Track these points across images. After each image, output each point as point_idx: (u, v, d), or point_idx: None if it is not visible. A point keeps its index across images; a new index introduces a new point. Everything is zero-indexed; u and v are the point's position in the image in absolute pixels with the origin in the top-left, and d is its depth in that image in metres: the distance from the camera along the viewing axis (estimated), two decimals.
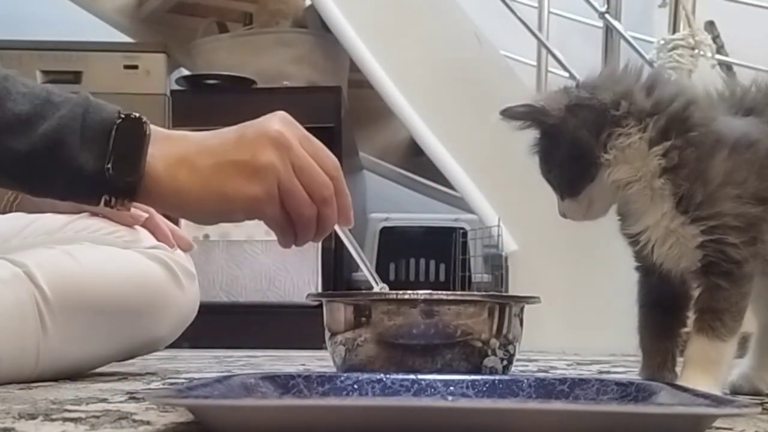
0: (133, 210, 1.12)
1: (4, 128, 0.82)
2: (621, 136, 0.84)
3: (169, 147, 0.85)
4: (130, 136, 0.84)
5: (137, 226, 1.19)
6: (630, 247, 0.91)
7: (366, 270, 1.03)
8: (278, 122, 0.87)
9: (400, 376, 0.78)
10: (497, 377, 0.80)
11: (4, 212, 1.20)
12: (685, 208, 0.84)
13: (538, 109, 0.86)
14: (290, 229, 0.89)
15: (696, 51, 2.04)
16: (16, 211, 1.19)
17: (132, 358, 1.20)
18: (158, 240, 1.18)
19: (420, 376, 0.78)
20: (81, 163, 0.82)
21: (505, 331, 1.05)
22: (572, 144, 0.85)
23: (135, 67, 2.43)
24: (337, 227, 0.93)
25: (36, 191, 0.90)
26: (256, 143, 0.85)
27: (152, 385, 1.02)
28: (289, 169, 0.85)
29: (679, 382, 0.81)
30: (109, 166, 0.82)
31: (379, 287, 1.03)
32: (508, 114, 0.87)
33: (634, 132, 0.84)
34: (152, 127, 0.85)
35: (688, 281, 0.89)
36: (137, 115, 0.85)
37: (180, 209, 0.88)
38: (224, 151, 0.85)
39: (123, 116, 0.84)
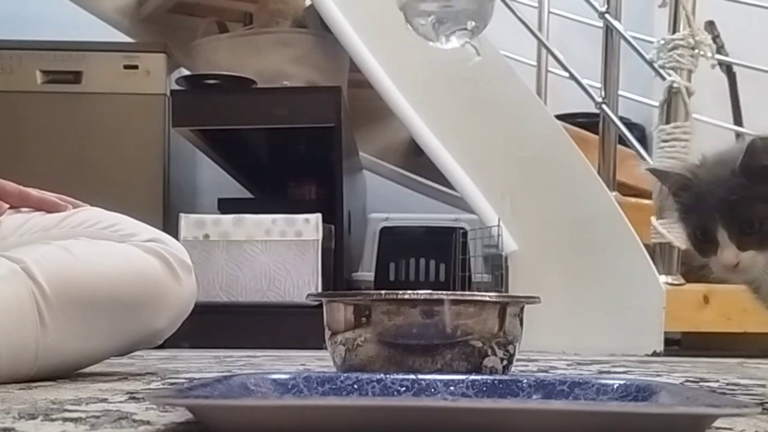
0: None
1: None
2: None
3: None
4: None
5: (133, 220, 1.20)
6: None
7: None
8: None
9: (400, 376, 0.78)
10: (497, 377, 0.80)
11: None
12: None
13: None
14: None
15: (696, 51, 2.03)
16: None
17: (131, 352, 1.20)
18: (48, 211, 1.20)
19: (420, 376, 0.78)
20: None
21: (505, 331, 1.05)
22: None
23: (135, 67, 2.44)
24: None
25: None
26: None
27: (152, 385, 1.02)
28: None
29: None
30: None
31: None
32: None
33: None
34: None
35: None
36: None
37: None
38: None
39: None
